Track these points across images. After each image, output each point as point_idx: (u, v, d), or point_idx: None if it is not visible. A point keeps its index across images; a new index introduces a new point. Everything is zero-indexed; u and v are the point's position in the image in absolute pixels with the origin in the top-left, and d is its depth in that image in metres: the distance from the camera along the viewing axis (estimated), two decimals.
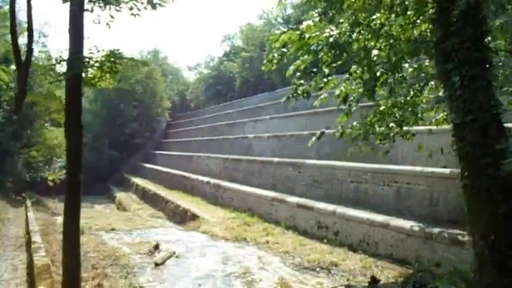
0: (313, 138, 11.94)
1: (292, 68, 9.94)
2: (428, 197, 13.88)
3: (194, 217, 22.22)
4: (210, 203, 25.69)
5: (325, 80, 10.18)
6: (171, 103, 61.53)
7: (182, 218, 24.16)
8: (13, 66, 35.51)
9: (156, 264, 13.22)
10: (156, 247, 15.31)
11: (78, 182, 8.35)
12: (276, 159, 22.75)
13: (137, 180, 43.28)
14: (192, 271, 12.68)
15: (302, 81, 10.58)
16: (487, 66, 7.29)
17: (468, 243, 10.56)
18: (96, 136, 53.23)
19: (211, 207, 24.21)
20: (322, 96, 11.56)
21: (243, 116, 38.91)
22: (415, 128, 11.97)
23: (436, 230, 12.02)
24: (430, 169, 13.99)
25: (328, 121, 23.67)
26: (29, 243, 14.42)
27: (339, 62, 9.53)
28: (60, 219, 25.94)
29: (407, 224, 12.96)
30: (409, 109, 10.96)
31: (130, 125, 53.92)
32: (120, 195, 40.76)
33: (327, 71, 9.72)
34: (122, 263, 13.25)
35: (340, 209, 15.56)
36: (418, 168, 14.50)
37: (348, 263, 12.82)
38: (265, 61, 10.42)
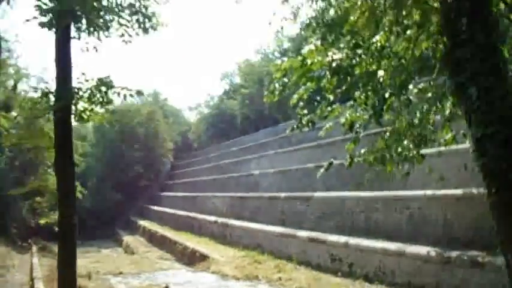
0: (322, 170, 11.43)
1: (295, 96, 9.51)
2: (442, 220, 13.38)
3: (203, 257, 21.62)
4: (218, 242, 25.14)
5: (329, 108, 9.79)
6: (174, 144, 61.42)
7: (191, 258, 23.57)
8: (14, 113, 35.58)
9: None
10: None
11: (72, 224, 7.75)
12: (283, 195, 22.30)
13: (144, 223, 42.77)
14: None
15: (306, 111, 10.15)
16: (503, 75, 6.92)
17: (489, 264, 10.25)
18: (100, 180, 53.22)
19: (220, 247, 23.68)
20: (327, 125, 11.08)
21: (246, 153, 38.51)
22: (424, 150, 11.53)
23: (454, 254, 11.59)
24: (441, 192, 13.53)
25: (332, 152, 23.28)
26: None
27: (344, 88, 9.12)
28: None
29: (423, 249, 12.50)
30: (428, 126, 10.51)
31: (134, 168, 53.54)
32: (127, 239, 40.18)
33: (331, 97, 9.33)
34: None
35: (352, 240, 15.08)
36: (429, 192, 13.98)
37: None
38: (266, 93, 10.01)
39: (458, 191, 12.81)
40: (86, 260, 27.03)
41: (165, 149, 58.32)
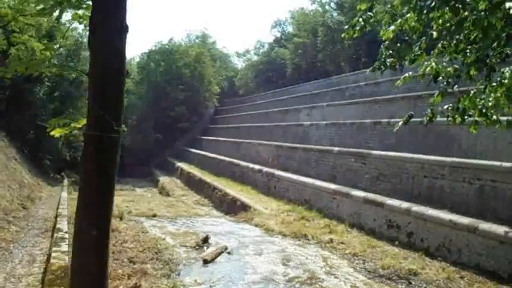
0: (400, 123, 10.00)
1: (392, 28, 8.29)
2: None
3: (245, 207, 20.51)
4: (261, 192, 23.85)
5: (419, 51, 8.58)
6: (219, 88, 60.44)
7: (230, 207, 22.59)
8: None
9: (205, 262, 11.44)
10: (205, 240, 13.43)
11: (114, 141, 5.64)
12: (336, 149, 20.84)
13: (182, 165, 41.89)
14: (247, 272, 10.86)
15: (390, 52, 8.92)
16: None
17: None
18: (141, 118, 53.08)
19: (263, 198, 22.41)
20: (406, 75, 9.77)
21: (296, 103, 37.26)
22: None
23: None
24: None
25: (391, 110, 22.32)
26: (55, 228, 12.83)
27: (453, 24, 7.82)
28: None
29: (500, 229, 10.98)
30: None
31: (177, 108, 52.68)
32: (164, 180, 39.54)
33: (435, 34, 8.08)
34: (164, 258, 11.48)
35: (416, 208, 13.56)
36: (507, 164, 12.45)
37: (429, 272, 10.90)
38: (346, 27, 8.85)
39: None
40: (120, 198, 26.24)
41: (210, 93, 57.72)
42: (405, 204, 13.99)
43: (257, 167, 26.68)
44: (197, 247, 12.96)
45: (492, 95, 9.23)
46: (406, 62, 8.96)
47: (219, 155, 36.56)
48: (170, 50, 56.15)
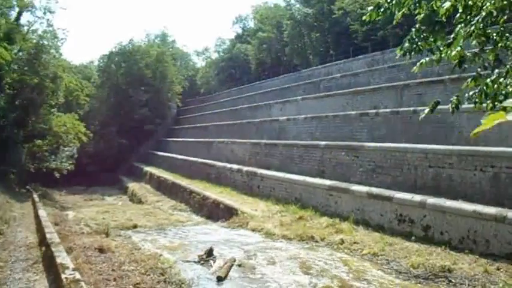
0: (426, 110, 9.23)
1: (447, 4, 7.62)
2: None
3: (230, 210, 19.51)
4: (243, 193, 22.79)
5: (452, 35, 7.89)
6: (182, 88, 59.37)
7: (213, 211, 21.61)
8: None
9: (219, 279, 10.37)
10: (210, 253, 12.34)
11: None
12: (323, 143, 19.99)
13: (150, 169, 40.83)
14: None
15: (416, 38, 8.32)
16: None
17: None
18: (104, 123, 51.79)
19: (247, 199, 21.34)
20: (423, 60, 9.04)
21: (266, 98, 36.96)
22: None
23: None
24: None
25: (374, 100, 21.85)
26: (47, 258, 11.23)
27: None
28: (72, 215, 23.60)
29: None
30: None
31: (140, 111, 51.88)
32: (133, 186, 38.50)
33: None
34: (174, 280, 10.20)
35: (432, 200, 12.74)
36: None
37: (463, 267, 10.18)
38: (370, 8, 8.41)
39: None
40: (93, 209, 25.26)
41: (172, 93, 57.16)
42: (418, 197, 13.24)
43: (235, 166, 25.76)
44: (202, 261, 11.84)
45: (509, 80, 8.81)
46: (441, 46, 8.21)
47: (189, 157, 35.65)
48: (131, 51, 55.46)
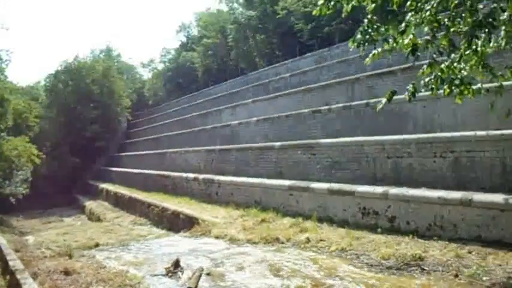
0: (383, 100, 9.17)
1: None
2: (500, 165, 11.56)
3: (190, 220, 19.13)
4: (202, 201, 22.46)
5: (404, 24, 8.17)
6: (130, 102, 58.96)
7: (173, 222, 21.26)
8: None
9: None
10: (177, 265, 12.12)
11: None
12: (278, 144, 19.90)
13: (106, 186, 40.14)
14: None
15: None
16: None
17: None
18: (55, 144, 50.93)
19: (207, 206, 21.02)
20: (375, 51, 9.03)
21: (216, 104, 36.93)
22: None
23: None
24: (498, 132, 11.74)
25: (325, 96, 21.85)
26: (13, 286, 10.84)
27: None
28: (32, 239, 23.05)
29: (497, 197, 10.43)
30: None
31: (91, 127, 51.17)
32: (90, 204, 37.84)
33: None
34: None
35: (394, 190, 12.75)
36: (481, 133, 12.12)
37: (434, 254, 10.17)
38: (320, 1, 8.23)
39: None
40: (52, 232, 24.74)
41: (121, 107, 56.64)
42: (380, 189, 13.27)
43: (191, 175, 25.48)
44: (170, 274, 11.54)
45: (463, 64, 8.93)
46: (395, 34, 8.27)
47: (144, 170, 35.32)
48: (77, 67, 54.73)
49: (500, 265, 9.07)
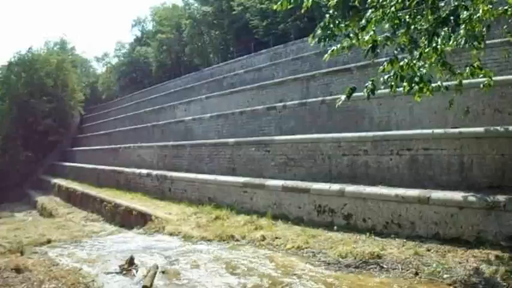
0: (343, 97, 9.10)
1: None
2: (457, 163, 11.66)
3: (144, 216, 18.88)
4: (155, 198, 22.26)
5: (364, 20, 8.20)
6: (83, 96, 58.33)
7: (126, 218, 20.91)
8: None
9: None
10: (131, 262, 11.87)
11: None
12: (232, 140, 19.83)
13: (58, 181, 39.47)
14: None
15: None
16: None
17: None
18: (7, 137, 50.35)
19: (160, 203, 20.78)
20: (334, 48, 8.98)
21: (169, 100, 36.89)
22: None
23: (501, 198, 9.67)
24: (456, 130, 11.90)
25: (279, 93, 21.83)
26: None
27: None
28: None
29: (456, 195, 10.45)
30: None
31: (44, 121, 50.58)
32: (42, 200, 36.99)
33: None
34: None
35: (350, 188, 12.70)
36: (438, 131, 12.22)
37: (392, 252, 10.11)
38: None
39: (479, 129, 11.46)
40: (3, 228, 24.11)
41: (75, 101, 56.06)
42: (336, 186, 13.19)
43: (144, 171, 25.25)
44: (124, 271, 11.30)
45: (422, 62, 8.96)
46: (356, 30, 8.33)
47: (97, 165, 34.83)
48: (30, 60, 54.24)
49: (460, 263, 9.05)
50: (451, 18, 7.60)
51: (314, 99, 19.03)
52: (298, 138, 16.55)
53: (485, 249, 9.45)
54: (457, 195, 10.42)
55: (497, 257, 8.92)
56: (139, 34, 70.02)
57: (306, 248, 11.43)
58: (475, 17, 8.87)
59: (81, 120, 59.20)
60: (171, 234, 15.16)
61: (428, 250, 9.98)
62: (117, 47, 76.80)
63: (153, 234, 15.96)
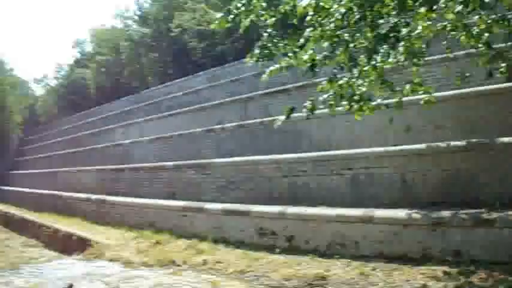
0: (282, 118, 9.03)
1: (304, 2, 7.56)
2: (400, 180, 11.63)
3: (83, 242, 18.39)
4: (94, 222, 21.76)
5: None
6: (22, 118, 57.43)
7: (65, 244, 20.28)
8: None
9: None
10: None
11: None
12: (170, 164, 19.67)
13: None
14: None
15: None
16: None
17: (499, 220, 8.64)
18: None
19: (100, 228, 20.37)
20: (272, 68, 8.89)
21: (109, 123, 36.29)
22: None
23: (446, 214, 9.67)
24: (397, 148, 11.91)
25: (219, 115, 21.83)
26: None
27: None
28: None
29: (400, 213, 10.42)
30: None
31: None
32: None
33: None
34: None
35: (291, 209, 12.63)
36: (379, 149, 12.23)
37: (337, 273, 9.94)
38: (218, 15, 8.06)
39: (421, 146, 11.40)
40: None
41: (13, 123, 54.25)
42: (277, 208, 13.06)
43: (83, 195, 24.89)
44: None
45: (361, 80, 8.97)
46: (294, 49, 8.13)
47: (36, 189, 34.24)
48: None
49: (407, 280, 8.99)
50: (391, 35, 7.59)
51: (252, 121, 18.93)
52: (237, 160, 16.46)
53: (432, 265, 9.38)
54: (401, 213, 10.39)
55: (445, 272, 8.86)
56: (78, 56, 69.12)
57: (249, 271, 11.27)
58: (414, 33, 8.91)
59: (20, 143, 58.07)
60: (111, 260, 14.82)
61: (374, 269, 9.86)
62: (57, 68, 75.82)
63: (93, 260, 15.58)
